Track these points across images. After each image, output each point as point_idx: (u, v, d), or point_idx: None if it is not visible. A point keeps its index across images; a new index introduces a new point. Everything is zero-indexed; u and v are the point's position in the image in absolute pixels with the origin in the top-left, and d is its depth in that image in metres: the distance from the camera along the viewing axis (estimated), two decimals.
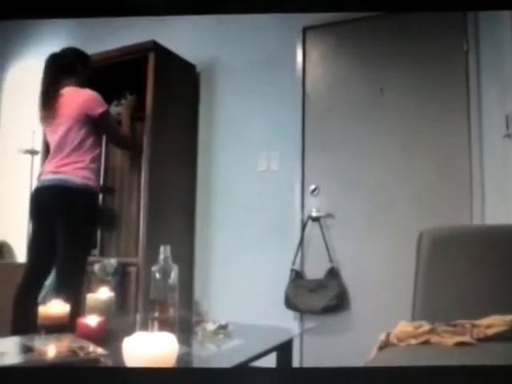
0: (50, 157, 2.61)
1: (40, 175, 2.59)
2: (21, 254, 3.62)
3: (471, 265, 1.78)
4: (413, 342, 1.48)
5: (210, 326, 1.73)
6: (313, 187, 3.03)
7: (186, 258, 3.20)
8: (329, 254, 2.90)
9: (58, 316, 1.59)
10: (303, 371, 1.64)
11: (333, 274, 2.87)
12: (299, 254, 2.98)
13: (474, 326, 1.52)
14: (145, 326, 1.67)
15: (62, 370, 1.20)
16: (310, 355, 2.90)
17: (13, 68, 4.14)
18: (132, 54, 3.08)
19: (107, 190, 3.14)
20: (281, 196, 3.09)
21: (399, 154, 2.87)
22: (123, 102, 3.07)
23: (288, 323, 2.76)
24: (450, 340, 1.44)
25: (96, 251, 3.08)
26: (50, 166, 2.53)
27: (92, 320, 1.53)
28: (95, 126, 2.59)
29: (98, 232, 3.13)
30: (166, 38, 3.16)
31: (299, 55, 3.16)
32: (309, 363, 2.87)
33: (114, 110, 3.16)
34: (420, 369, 1.15)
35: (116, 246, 3.09)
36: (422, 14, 2.77)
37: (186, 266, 3.15)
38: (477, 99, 2.69)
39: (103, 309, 1.65)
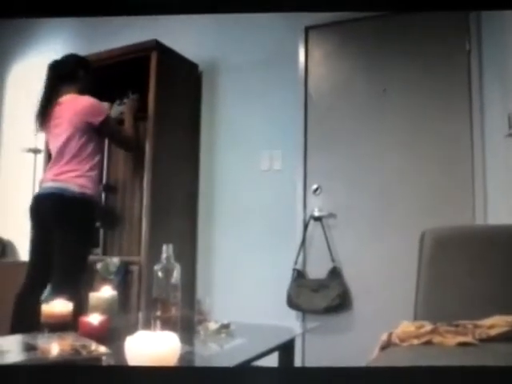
0: (50, 164, 2.63)
1: (41, 182, 2.61)
2: (24, 253, 3.62)
3: (473, 265, 1.78)
4: (415, 342, 1.49)
5: (212, 325, 1.73)
6: (315, 187, 3.03)
7: (188, 257, 3.20)
8: (331, 254, 2.90)
9: (61, 315, 1.60)
10: (305, 371, 1.64)
11: (335, 273, 2.87)
12: (301, 253, 2.98)
13: (476, 326, 1.52)
14: (147, 325, 1.67)
15: (65, 369, 1.21)
16: (311, 355, 2.90)
17: (15, 67, 4.15)
18: (134, 54, 3.08)
19: (110, 189, 3.15)
20: (283, 195, 3.09)
21: (401, 154, 2.87)
22: (126, 101, 3.07)
23: (290, 323, 2.76)
24: (452, 340, 1.44)
25: (99, 250, 3.09)
26: (50, 173, 2.56)
27: (94, 319, 1.53)
28: (95, 133, 2.60)
29: (101, 231, 3.13)
30: (168, 37, 3.16)
31: (301, 55, 3.16)
32: (311, 363, 2.87)
33: (117, 109, 3.16)
34: (422, 369, 1.15)
35: (119, 244, 3.10)
36: (424, 14, 2.77)
37: (188, 265, 3.15)
38: (479, 99, 2.69)
39: (106, 307, 1.65)
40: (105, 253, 3.09)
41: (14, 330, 2.29)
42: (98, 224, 3.05)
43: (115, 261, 2.90)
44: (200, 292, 3.19)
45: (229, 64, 3.36)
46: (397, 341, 1.51)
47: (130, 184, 3.10)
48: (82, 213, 2.51)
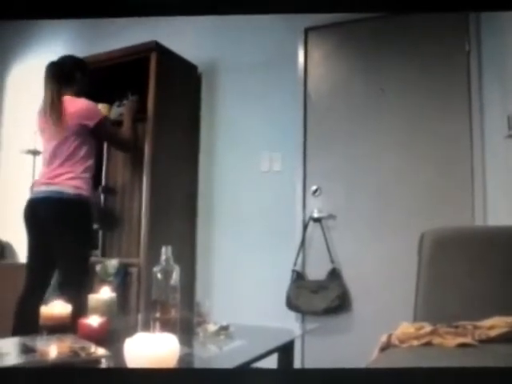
0: (42, 167, 2.61)
1: (33, 186, 2.58)
2: (23, 255, 3.61)
3: (473, 266, 1.78)
4: (414, 343, 1.48)
5: (212, 327, 1.73)
6: (314, 188, 3.03)
7: (187, 258, 3.20)
8: (330, 255, 2.90)
9: (60, 316, 1.59)
10: (304, 372, 1.63)
11: (334, 275, 2.87)
12: (301, 254, 2.98)
13: (475, 327, 1.52)
14: (146, 327, 1.67)
15: (64, 371, 1.20)
16: (311, 356, 2.90)
17: (15, 68, 4.15)
18: (134, 55, 3.08)
19: (109, 190, 3.14)
20: (282, 197, 3.09)
21: (400, 155, 2.87)
22: (125, 102, 3.07)
23: (289, 324, 2.76)
24: (452, 341, 1.44)
25: (98, 252, 3.08)
26: (43, 177, 2.54)
27: (94, 320, 1.53)
28: (90, 135, 2.59)
29: (100, 233, 3.13)
30: (168, 38, 3.17)
31: (301, 56, 3.16)
32: (310, 364, 2.87)
33: (116, 110, 3.16)
34: (422, 370, 1.15)
35: (118, 246, 3.09)
36: (423, 15, 2.77)
37: (187, 267, 3.15)
38: (478, 100, 2.69)
39: (105, 309, 1.65)
40: (104, 254, 3.09)
41: (15, 333, 2.28)
42: (96, 226, 3.06)
43: (114, 262, 2.90)
44: (199, 294, 3.19)
45: (228, 65, 3.37)
46: (396, 342, 1.51)
47: (129, 185, 3.10)
48: (79, 214, 2.50)
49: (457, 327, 1.53)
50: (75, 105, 2.57)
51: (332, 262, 2.89)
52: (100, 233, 3.13)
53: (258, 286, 3.05)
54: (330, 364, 2.67)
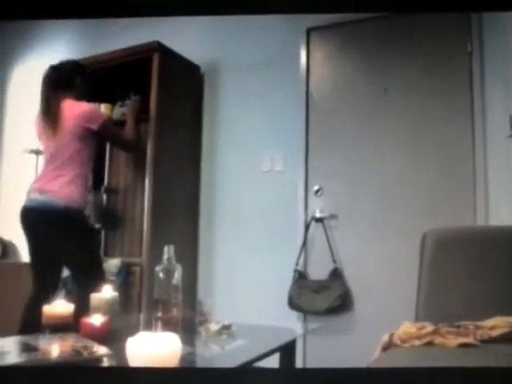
0: (40, 172, 2.62)
1: (29, 192, 2.55)
2: (25, 254, 3.62)
3: (475, 266, 1.78)
4: (416, 343, 1.48)
5: (214, 327, 1.73)
6: (316, 188, 3.03)
7: (189, 258, 3.21)
8: (332, 255, 2.90)
9: (63, 316, 1.60)
10: (306, 372, 1.64)
11: (336, 274, 2.87)
12: (303, 254, 2.98)
13: (477, 327, 1.52)
14: (148, 326, 1.67)
15: (66, 370, 1.21)
16: (313, 356, 2.90)
17: (18, 68, 4.16)
18: (136, 55, 3.08)
19: (111, 190, 3.15)
20: (284, 196, 3.09)
21: (403, 155, 2.87)
22: (127, 102, 3.08)
23: (291, 324, 2.76)
24: (454, 341, 1.44)
25: (100, 251, 3.09)
26: (38, 183, 2.53)
27: (96, 320, 1.53)
28: (94, 138, 2.59)
29: (102, 232, 3.14)
30: (170, 38, 3.17)
31: (303, 56, 3.16)
32: (312, 364, 2.87)
33: (119, 110, 3.17)
34: (423, 370, 1.15)
35: (120, 246, 3.10)
36: (426, 15, 2.77)
37: (189, 267, 3.15)
38: (481, 100, 2.69)
39: (107, 308, 1.65)
40: (106, 254, 3.09)
41: (23, 332, 2.28)
42: (99, 225, 3.07)
43: (116, 262, 2.91)
44: (201, 293, 3.19)
45: (230, 65, 3.37)
46: (398, 342, 1.51)
47: (132, 185, 3.10)
48: (68, 227, 2.48)
49: (458, 327, 1.53)
50: (77, 108, 2.56)
51: (334, 261, 2.89)
52: (102, 232, 3.13)
53: (259, 286, 3.05)
54: (332, 364, 2.67)
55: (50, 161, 2.54)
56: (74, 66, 2.69)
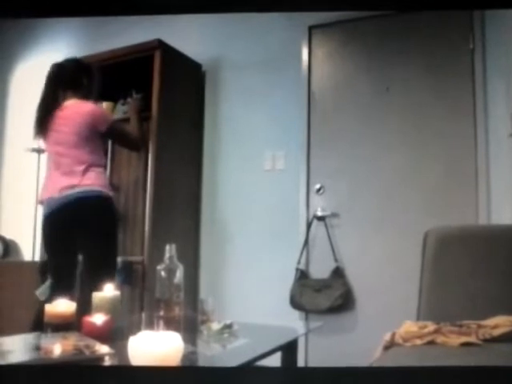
0: (50, 173, 2.54)
1: (46, 197, 2.48)
2: (27, 253, 3.63)
3: (477, 265, 1.78)
4: (418, 342, 1.48)
5: (216, 325, 1.73)
6: (318, 186, 3.03)
7: (191, 257, 3.21)
8: (334, 254, 2.90)
9: (65, 314, 1.60)
10: (308, 371, 1.64)
11: (338, 273, 2.87)
12: (304, 253, 2.98)
13: (479, 326, 1.52)
14: (150, 325, 1.67)
15: (68, 369, 1.21)
16: (314, 355, 2.90)
17: (19, 66, 4.16)
18: (138, 53, 3.08)
19: (113, 188, 3.14)
20: (286, 195, 3.09)
21: (404, 154, 2.86)
22: (129, 100, 3.08)
23: (293, 323, 2.75)
24: (456, 340, 1.44)
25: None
26: (58, 183, 2.44)
27: (98, 318, 1.53)
28: (101, 138, 2.58)
29: None
30: (171, 36, 3.17)
31: (305, 54, 3.16)
32: (314, 363, 2.87)
33: (121, 108, 3.17)
34: (425, 369, 1.15)
35: (122, 244, 3.09)
36: (428, 13, 2.77)
37: (191, 265, 3.15)
38: (483, 98, 2.68)
39: (109, 307, 1.65)
40: None
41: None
42: None
43: (118, 260, 2.90)
44: (203, 292, 3.19)
45: (232, 63, 3.36)
46: (400, 341, 1.51)
47: (133, 183, 3.10)
48: (108, 213, 2.49)
49: (460, 326, 1.53)
50: (85, 109, 2.53)
51: (336, 260, 2.89)
52: None
53: (261, 285, 3.05)
54: (334, 362, 2.67)
55: (58, 163, 2.49)
56: (79, 66, 2.65)
